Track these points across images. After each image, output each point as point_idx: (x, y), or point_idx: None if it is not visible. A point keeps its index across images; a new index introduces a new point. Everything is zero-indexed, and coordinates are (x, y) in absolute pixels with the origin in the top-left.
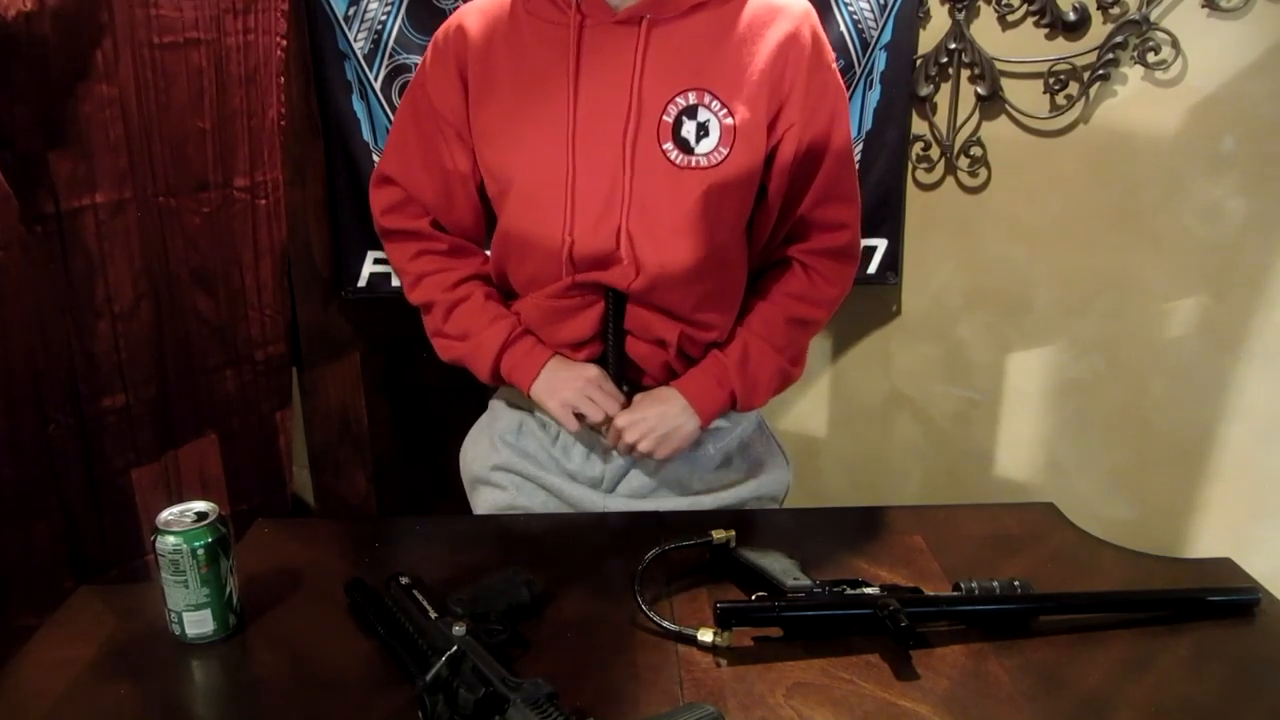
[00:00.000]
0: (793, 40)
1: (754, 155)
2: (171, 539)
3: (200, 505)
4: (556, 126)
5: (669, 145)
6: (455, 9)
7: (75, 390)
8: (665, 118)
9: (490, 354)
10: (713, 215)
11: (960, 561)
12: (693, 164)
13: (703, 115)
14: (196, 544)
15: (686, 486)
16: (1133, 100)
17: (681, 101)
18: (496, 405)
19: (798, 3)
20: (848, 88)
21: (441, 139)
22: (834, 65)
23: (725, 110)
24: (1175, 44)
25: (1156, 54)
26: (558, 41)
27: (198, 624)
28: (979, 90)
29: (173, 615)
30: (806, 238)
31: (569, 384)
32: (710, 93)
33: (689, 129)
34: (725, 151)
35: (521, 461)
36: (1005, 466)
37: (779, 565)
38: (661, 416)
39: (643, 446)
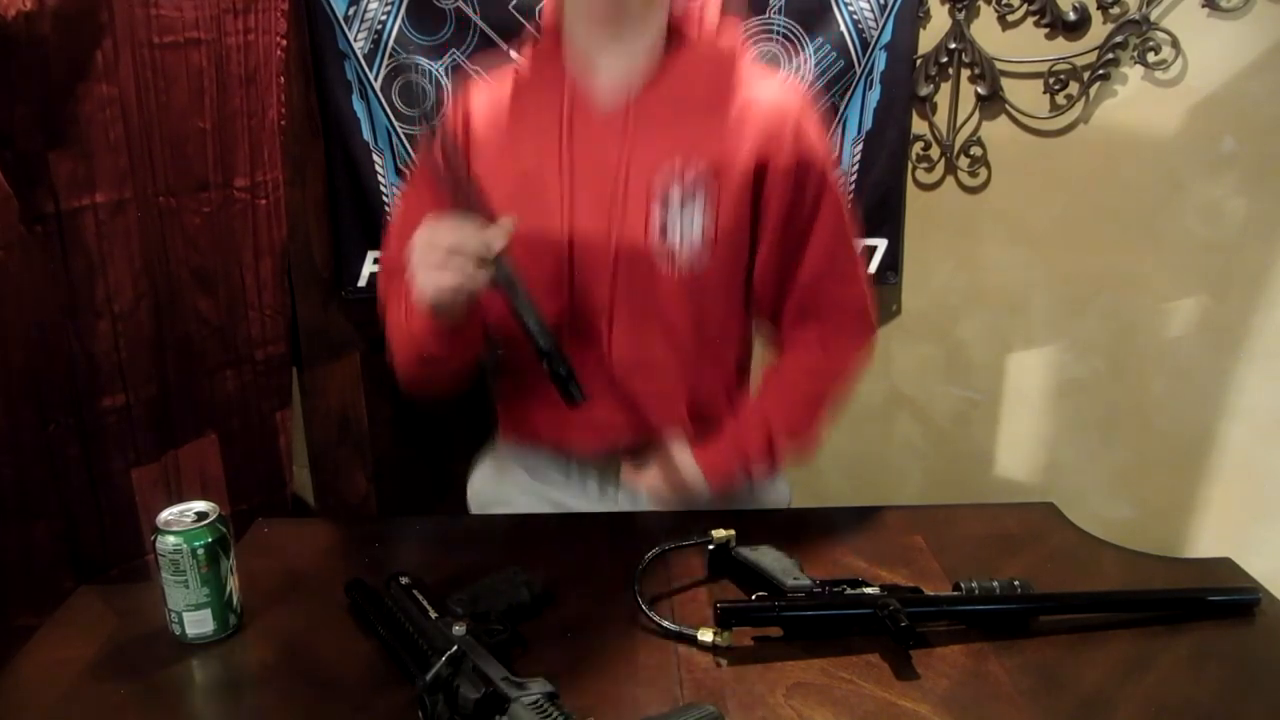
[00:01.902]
0: (779, 118)
1: (739, 238)
2: (171, 539)
3: (200, 505)
4: (551, 211)
5: (655, 238)
6: (454, 9)
7: (75, 390)
8: (653, 207)
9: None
10: (697, 305)
11: (960, 561)
12: (677, 251)
13: (688, 205)
14: (196, 544)
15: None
16: (1133, 100)
17: (668, 190)
18: (505, 445)
19: (784, 79)
20: (848, 88)
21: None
22: (824, 138)
23: (710, 197)
24: (1175, 44)
25: (1156, 54)
26: (549, 131)
27: (198, 624)
28: (979, 90)
29: (173, 615)
30: (814, 315)
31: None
32: (696, 178)
33: (674, 218)
34: (710, 238)
35: (535, 484)
36: (1005, 466)
37: (779, 565)
38: (676, 487)
39: (650, 504)
